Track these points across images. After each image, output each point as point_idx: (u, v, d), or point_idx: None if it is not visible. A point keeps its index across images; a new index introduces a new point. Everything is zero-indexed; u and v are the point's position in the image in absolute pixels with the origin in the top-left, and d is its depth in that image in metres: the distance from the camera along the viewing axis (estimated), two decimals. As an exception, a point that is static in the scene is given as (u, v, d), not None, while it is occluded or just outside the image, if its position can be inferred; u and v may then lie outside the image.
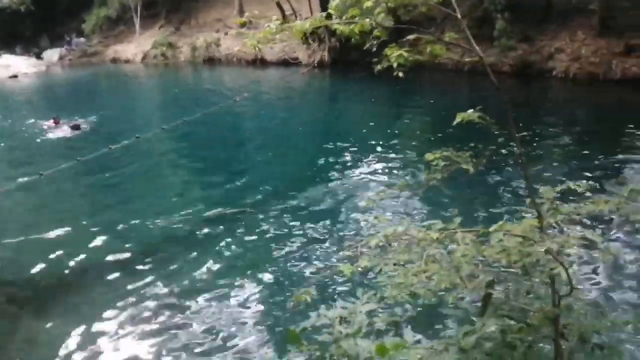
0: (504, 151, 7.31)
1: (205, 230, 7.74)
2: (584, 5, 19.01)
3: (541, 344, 2.79)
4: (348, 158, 11.13)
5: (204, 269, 6.59)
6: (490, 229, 2.16)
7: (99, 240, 7.49)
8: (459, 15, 2.51)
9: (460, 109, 2.59)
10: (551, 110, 14.69)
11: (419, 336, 4.35)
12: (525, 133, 11.60)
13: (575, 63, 17.86)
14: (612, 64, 16.99)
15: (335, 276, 5.68)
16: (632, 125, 12.37)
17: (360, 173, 10.15)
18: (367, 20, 2.32)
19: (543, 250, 2.02)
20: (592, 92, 16.55)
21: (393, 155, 11.13)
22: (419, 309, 4.89)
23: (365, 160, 10.89)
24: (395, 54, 2.28)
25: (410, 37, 2.52)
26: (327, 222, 7.71)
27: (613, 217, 6.43)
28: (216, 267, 6.64)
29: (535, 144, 11.12)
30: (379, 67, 2.43)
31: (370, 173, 10.17)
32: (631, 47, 16.85)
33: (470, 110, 2.56)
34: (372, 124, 14.76)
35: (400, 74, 2.70)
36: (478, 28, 19.79)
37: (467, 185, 8.66)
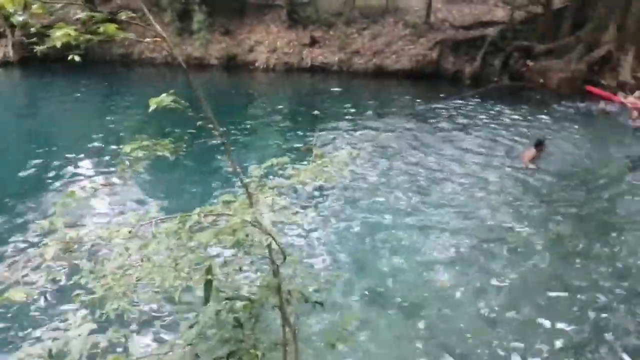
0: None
1: None
2: (272, 0, 21.06)
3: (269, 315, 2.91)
4: (54, 163, 9.73)
5: None
6: (193, 213, 2.09)
7: None
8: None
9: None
10: (258, 99, 15.92)
11: (153, 344, 4.12)
12: (237, 120, 12.34)
13: (273, 54, 19.66)
14: (302, 54, 19.31)
15: (39, 300, 4.91)
16: (324, 105, 14.40)
17: (70, 178, 9.03)
18: (16, -8, 1.91)
19: (248, 224, 2.05)
20: (290, 80, 18.52)
21: (103, 153, 10.24)
22: (153, 313, 4.62)
23: (73, 163, 9.73)
24: (60, 33, 1.95)
25: (80, 15, 2.21)
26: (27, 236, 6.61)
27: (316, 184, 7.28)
28: None
29: (247, 129, 11.90)
30: (39, 48, 2.06)
31: (81, 176, 9.17)
32: (314, 39, 19.43)
33: (164, 95, 2.42)
34: (79, 124, 13.36)
35: (77, 58, 2.37)
36: (181, 21, 19.89)
37: (186, 173, 8.70)
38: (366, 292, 5.51)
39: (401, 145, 10.59)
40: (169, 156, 2.26)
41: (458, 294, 5.55)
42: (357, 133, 11.50)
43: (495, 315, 5.19)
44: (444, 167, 9.35)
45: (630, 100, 14.15)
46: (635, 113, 12.65)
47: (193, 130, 8.13)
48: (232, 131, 11.29)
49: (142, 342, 3.73)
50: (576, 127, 12.22)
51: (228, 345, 2.19)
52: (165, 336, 4.44)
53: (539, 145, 9.39)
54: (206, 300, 2.23)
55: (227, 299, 2.35)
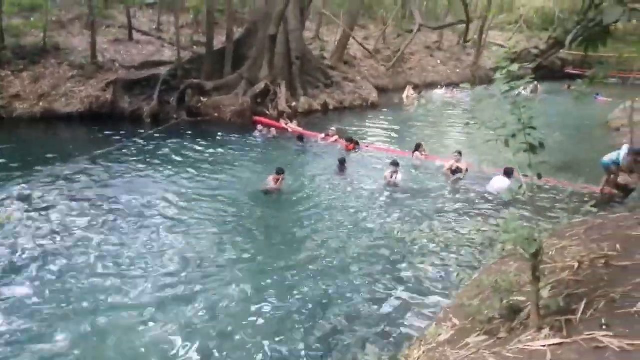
0: None
1: None
2: None
3: None
4: None
5: None
6: None
7: None
8: None
9: None
10: None
11: None
12: None
13: None
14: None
15: None
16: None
17: None
18: None
19: None
20: None
21: None
22: None
23: None
24: None
25: None
26: None
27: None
28: None
29: None
30: None
31: None
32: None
33: None
34: None
35: None
36: None
37: None
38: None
39: (86, 193, 9.85)
40: None
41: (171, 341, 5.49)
42: (26, 185, 10.07)
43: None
44: (137, 209, 9.12)
45: (290, 126, 16.82)
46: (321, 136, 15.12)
47: None
48: None
49: None
50: (255, 152, 13.80)
51: None
52: None
53: (280, 172, 10.31)
54: None
55: None
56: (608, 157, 10.51)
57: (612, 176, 10.51)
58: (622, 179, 10.52)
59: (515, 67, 2.77)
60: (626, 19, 3.82)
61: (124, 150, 13.19)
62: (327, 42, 28.84)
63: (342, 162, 11.97)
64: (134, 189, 10.25)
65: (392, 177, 10.89)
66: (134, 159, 12.52)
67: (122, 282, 6.57)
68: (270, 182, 10.37)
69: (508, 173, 10.10)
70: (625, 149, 10.26)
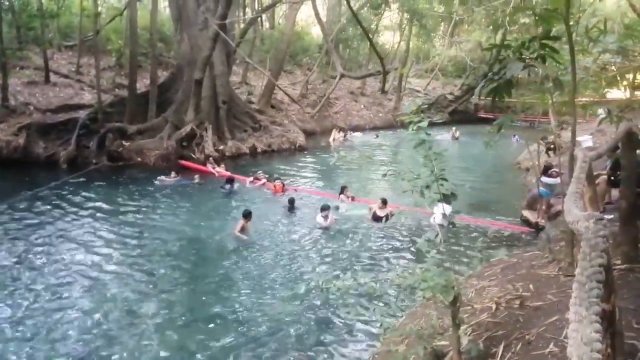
0: None
1: None
2: None
3: None
4: None
5: None
6: None
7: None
8: None
9: None
10: None
11: None
12: None
13: None
14: None
15: None
16: None
17: None
18: None
19: None
20: None
21: None
22: None
23: None
24: None
25: None
26: None
27: None
28: None
29: None
30: None
31: None
32: None
33: None
34: None
35: None
36: None
37: None
38: None
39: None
40: None
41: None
42: None
43: None
44: (47, 265, 8.46)
45: (217, 170, 16.57)
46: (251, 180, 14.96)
47: None
48: None
49: None
50: (180, 197, 13.36)
51: None
52: None
53: (247, 216, 10.23)
54: None
55: None
56: (541, 189, 10.86)
57: (544, 206, 10.95)
58: (533, 216, 11.19)
59: (425, 124, 2.91)
60: (525, 72, 4.17)
61: (35, 199, 12.30)
62: (254, 86, 29.10)
63: (291, 202, 12.07)
64: (45, 242, 9.54)
65: (323, 220, 10.93)
66: (47, 208, 11.70)
67: (33, 343, 6.01)
68: (245, 227, 10.17)
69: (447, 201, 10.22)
70: (546, 179, 10.66)
